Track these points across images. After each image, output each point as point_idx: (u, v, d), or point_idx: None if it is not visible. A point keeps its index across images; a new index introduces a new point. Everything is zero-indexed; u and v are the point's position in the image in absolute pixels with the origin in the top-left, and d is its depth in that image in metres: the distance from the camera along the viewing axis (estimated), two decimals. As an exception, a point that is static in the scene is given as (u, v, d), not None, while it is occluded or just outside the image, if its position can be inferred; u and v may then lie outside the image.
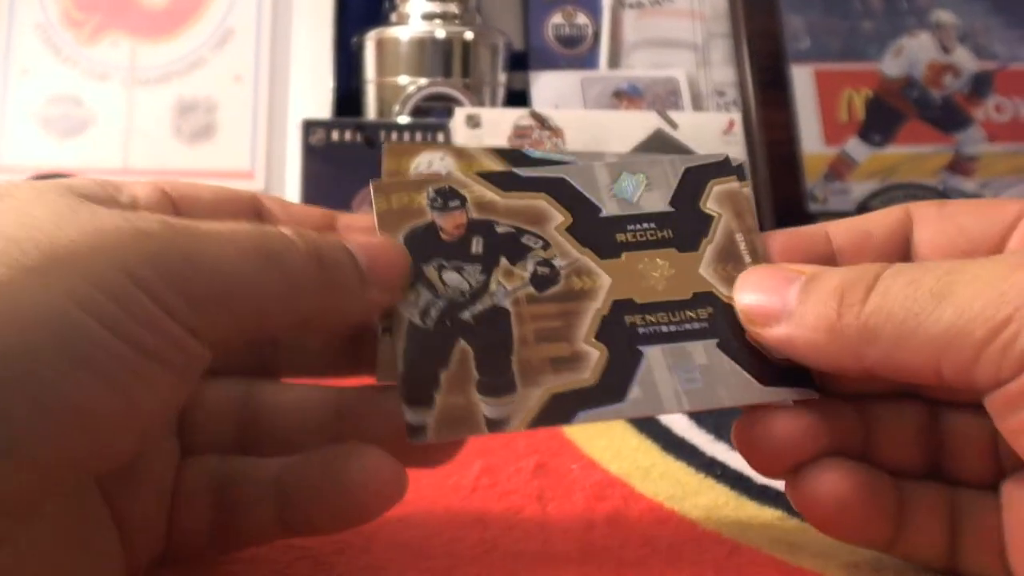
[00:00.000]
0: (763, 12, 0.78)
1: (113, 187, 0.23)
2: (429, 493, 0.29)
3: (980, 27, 0.78)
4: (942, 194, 0.74)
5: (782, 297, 0.23)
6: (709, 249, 0.26)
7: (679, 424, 0.36)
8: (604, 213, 0.26)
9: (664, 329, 0.24)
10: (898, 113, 0.76)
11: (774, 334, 0.23)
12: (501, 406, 0.23)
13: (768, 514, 0.28)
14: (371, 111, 0.74)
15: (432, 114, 0.71)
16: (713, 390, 0.24)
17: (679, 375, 0.24)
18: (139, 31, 0.75)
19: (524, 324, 0.24)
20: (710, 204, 0.26)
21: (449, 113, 0.68)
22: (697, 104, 0.76)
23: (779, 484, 0.30)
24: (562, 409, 0.23)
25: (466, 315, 0.24)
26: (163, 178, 0.25)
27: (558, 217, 0.26)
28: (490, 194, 0.26)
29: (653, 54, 0.79)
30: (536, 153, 0.27)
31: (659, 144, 0.67)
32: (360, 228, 0.26)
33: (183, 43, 0.75)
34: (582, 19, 0.80)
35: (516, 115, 0.68)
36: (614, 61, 0.79)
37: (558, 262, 0.25)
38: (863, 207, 0.72)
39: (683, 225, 0.26)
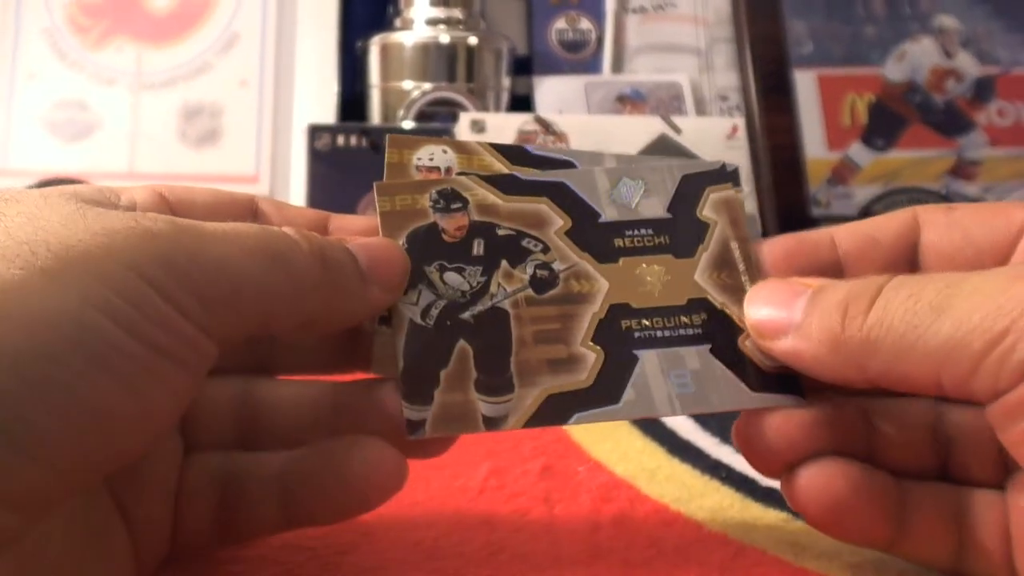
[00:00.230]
0: (766, 17, 0.78)
1: (112, 192, 0.23)
2: (437, 495, 0.30)
3: (982, 32, 0.78)
4: (945, 198, 0.74)
5: (789, 311, 0.23)
6: (704, 256, 0.26)
7: (684, 427, 0.37)
8: (603, 218, 0.26)
9: (659, 334, 0.25)
10: (901, 118, 0.76)
11: (781, 347, 0.23)
12: (499, 405, 0.24)
13: (773, 516, 0.29)
14: (376, 116, 0.75)
15: (436, 119, 0.72)
16: (705, 395, 0.24)
17: (672, 379, 0.24)
18: (145, 36, 0.76)
19: (523, 326, 0.25)
20: (706, 211, 0.27)
21: (453, 118, 0.69)
22: (700, 109, 0.76)
23: (784, 486, 0.31)
24: (558, 409, 0.24)
25: (466, 315, 0.25)
26: (168, 182, 0.25)
27: (558, 221, 0.26)
28: (492, 197, 0.26)
29: (656, 59, 0.79)
30: (537, 150, 0.27)
31: (663, 149, 0.67)
32: (353, 229, 0.26)
33: (189, 48, 0.76)
34: (586, 24, 0.81)
35: (520, 120, 0.68)
36: (617, 66, 0.80)
37: (557, 266, 0.25)
38: (866, 211, 0.72)
39: (680, 232, 0.26)
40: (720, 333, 0.25)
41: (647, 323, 0.25)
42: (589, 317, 0.25)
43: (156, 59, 0.75)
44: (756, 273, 0.26)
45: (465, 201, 0.26)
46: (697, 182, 0.27)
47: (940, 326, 0.20)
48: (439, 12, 0.75)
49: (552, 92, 0.77)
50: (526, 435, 0.35)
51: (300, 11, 0.77)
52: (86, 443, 0.17)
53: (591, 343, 0.25)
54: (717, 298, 0.25)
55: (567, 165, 0.27)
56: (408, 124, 0.70)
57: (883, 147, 0.75)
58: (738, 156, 0.62)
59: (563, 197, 0.26)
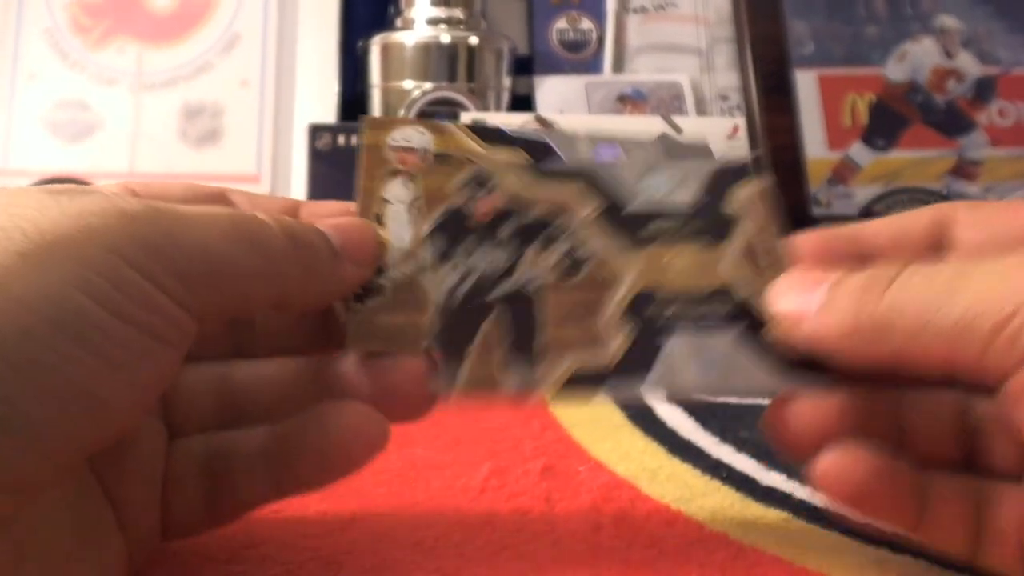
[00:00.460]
0: (767, 17, 0.78)
1: (82, 187, 0.23)
2: (438, 494, 0.30)
3: (983, 32, 0.78)
4: (945, 198, 0.74)
5: (811, 298, 0.24)
6: (729, 248, 0.26)
7: (685, 427, 0.37)
8: (630, 208, 0.27)
9: (682, 321, 0.25)
10: (902, 118, 0.76)
11: (803, 332, 0.24)
12: (522, 379, 0.24)
13: (774, 515, 0.29)
14: (376, 116, 0.75)
15: (437, 119, 0.72)
16: (727, 380, 0.25)
17: (696, 364, 0.25)
18: (146, 36, 0.76)
19: (548, 308, 0.25)
20: (733, 205, 0.27)
21: (454, 118, 0.69)
22: (701, 109, 0.76)
23: (785, 486, 0.31)
24: (582, 387, 0.25)
25: (493, 296, 0.25)
26: (170, 181, 0.25)
27: (586, 208, 0.27)
28: (521, 182, 0.27)
29: (657, 59, 0.79)
30: (513, 131, 0.28)
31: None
32: (323, 213, 0.26)
33: (190, 48, 0.76)
34: (586, 24, 0.81)
35: (521, 120, 0.68)
36: (618, 66, 0.80)
37: (583, 252, 0.26)
38: (867, 211, 0.72)
39: (706, 224, 0.27)
40: (742, 323, 0.25)
41: (671, 310, 0.25)
42: (615, 303, 0.25)
43: (157, 59, 0.75)
44: (780, 266, 0.26)
45: (496, 184, 0.26)
46: (725, 177, 0.28)
47: (952, 308, 0.21)
48: (440, 12, 0.75)
49: (553, 92, 0.77)
50: (527, 435, 0.35)
51: (301, 11, 0.77)
52: (72, 422, 0.18)
53: (615, 327, 0.25)
54: (741, 288, 0.26)
55: (542, 145, 0.28)
56: (409, 124, 0.71)
57: (884, 147, 0.76)
58: (739, 156, 0.62)
59: (592, 186, 0.27)
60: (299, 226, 0.23)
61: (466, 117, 0.68)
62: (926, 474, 0.24)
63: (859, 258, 0.25)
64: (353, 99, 0.76)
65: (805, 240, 0.26)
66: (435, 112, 0.72)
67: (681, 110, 0.75)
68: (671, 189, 0.27)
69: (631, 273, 0.26)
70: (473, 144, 0.27)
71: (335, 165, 0.67)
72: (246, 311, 0.23)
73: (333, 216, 0.26)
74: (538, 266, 0.26)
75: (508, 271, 0.26)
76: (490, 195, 0.26)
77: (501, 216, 0.26)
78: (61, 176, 0.71)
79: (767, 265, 0.26)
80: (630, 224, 0.27)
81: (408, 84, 0.73)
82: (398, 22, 0.76)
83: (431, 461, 0.32)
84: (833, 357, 0.24)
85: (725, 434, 0.36)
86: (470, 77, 0.74)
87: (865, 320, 0.22)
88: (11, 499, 0.17)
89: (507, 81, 0.77)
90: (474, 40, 0.74)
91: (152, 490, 0.24)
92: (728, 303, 0.26)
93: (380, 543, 0.26)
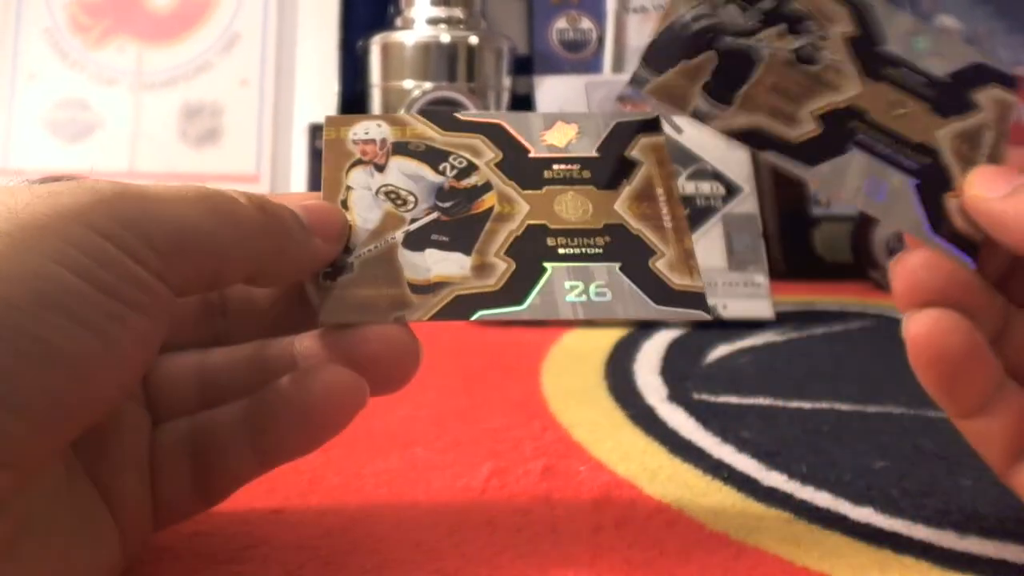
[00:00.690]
0: (767, 17, 0.78)
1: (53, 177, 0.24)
2: (438, 495, 0.30)
3: (983, 32, 0.78)
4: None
5: (1008, 185, 0.25)
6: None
7: (686, 427, 0.37)
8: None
9: (572, 251, 0.27)
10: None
11: (987, 207, 0.25)
12: (707, 112, 0.27)
13: (775, 516, 0.29)
14: (376, 115, 0.75)
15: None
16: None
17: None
18: (146, 36, 0.76)
19: (763, 73, 0.27)
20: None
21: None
22: (701, 108, 0.76)
23: (786, 487, 0.31)
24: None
25: (723, 42, 0.28)
26: (169, 182, 0.25)
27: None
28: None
29: (657, 59, 0.79)
30: (467, 115, 0.30)
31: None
32: (290, 200, 0.27)
33: (189, 47, 0.76)
34: (586, 24, 0.81)
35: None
36: (618, 65, 0.80)
37: (823, 53, 0.28)
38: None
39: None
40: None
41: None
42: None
43: (157, 59, 0.75)
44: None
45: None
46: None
47: None
48: (440, 12, 0.75)
49: (553, 92, 0.77)
50: (527, 435, 0.35)
51: (301, 11, 0.77)
52: (59, 391, 0.18)
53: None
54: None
55: (497, 128, 0.29)
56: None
57: (884, 147, 0.75)
58: (739, 156, 0.62)
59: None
60: (268, 201, 0.24)
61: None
62: (1006, 378, 0.25)
63: None
64: (353, 99, 0.76)
65: (1018, 154, 0.27)
66: (435, 112, 0.72)
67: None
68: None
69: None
70: (431, 131, 0.29)
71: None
72: (221, 283, 0.23)
73: (300, 202, 0.26)
74: (778, 42, 0.28)
75: (751, 32, 0.28)
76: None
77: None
78: (60, 175, 0.71)
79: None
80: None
81: (408, 84, 0.73)
82: (398, 22, 0.76)
83: (432, 462, 0.32)
84: (998, 238, 0.25)
85: (726, 434, 0.36)
86: (470, 77, 0.74)
87: None
88: (6, 477, 0.18)
89: (507, 81, 0.77)
90: (474, 40, 0.74)
91: (140, 476, 0.24)
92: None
93: (381, 544, 0.26)
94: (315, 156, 0.69)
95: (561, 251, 0.26)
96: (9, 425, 0.17)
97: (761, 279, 0.58)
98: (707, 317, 0.26)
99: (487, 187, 0.28)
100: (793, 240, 0.78)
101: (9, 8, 0.75)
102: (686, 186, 0.61)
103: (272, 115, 0.75)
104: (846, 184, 0.26)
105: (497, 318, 0.25)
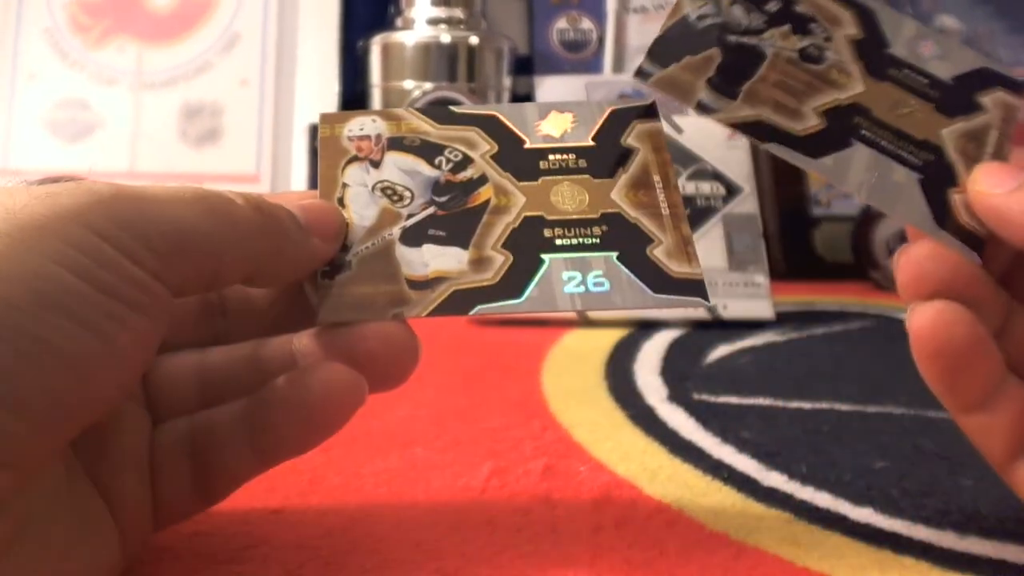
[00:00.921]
0: (767, 17, 0.78)
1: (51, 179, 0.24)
2: (439, 495, 0.30)
3: (984, 32, 0.78)
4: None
5: (1012, 179, 0.25)
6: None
7: (686, 427, 0.37)
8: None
9: (569, 242, 0.26)
10: None
11: (990, 202, 0.25)
12: (712, 104, 0.27)
13: (775, 516, 0.29)
14: (377, 115, 0.75)
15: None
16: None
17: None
18: (146, 36, 0.76)
19: (768, 67, 0.28)
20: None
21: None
22: (701, 109, 0.76)
23: (786, 487, 0.31)
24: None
25: (729, 39, 0.28)
26: (169, 182, 0.25)
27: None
28: (425, 126, 0.29)
29: (657, 59, 0.79)
30: (461, 109, 0.29)
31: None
32: (286, 200, 0.27)
33: (189, 47, 0.76)
34: (587, 24, 0.81)
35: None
36: (618, 65, 0.80)
37: (828, 53, 0.28)
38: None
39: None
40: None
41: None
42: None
43: (157, 59, 0.75)
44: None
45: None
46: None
47: None
48: (440, 12, 0.75)
49: (553, 92, 0.77)
50: (527, 435, 0.35)
51: (301, 11, 0.77)
52: (58, 387, 0.18)
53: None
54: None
55: (493, 120, 0.29)
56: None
57: (884, 147, 0.75)
58: (739, 156, 0.62)
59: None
60: (265, 201, 0.24)
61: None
62: (1008, 373, 0.25)
63: None
64: (353, 99, 0.76)
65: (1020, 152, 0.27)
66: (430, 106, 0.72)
67: (682, 110, 0.75)
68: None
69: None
70: (426, 125, 0.29)
71: (335, 165, 0.67)
72: (219, 284, 0.23)
73: (297, 201, 0.26)
74: (785, 42, 0.28)
75: (756, 32, 0.28)
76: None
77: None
78: (61, 175, 0.71)
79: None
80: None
81: (408, 84, 0.73)
82: (398, 22, 0.76)
83: (432, 461, 0.32)
84: (1003, 234, 0.24)
85: (726, 434, 0.36)
86: (470, 77, 0.74)
87: None
88: (5, 477, 0.18)
89: (507, 81, 0.77)
90: (474, 40, 0.74)
91: (141, 476, 0.24)
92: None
93: (381, 543, 0.26)
94: (315, 156, 0.69)
95: (558, 242, 0.26)
96: (9, 425, 0.18)
97: (761, 279, 0.58)
98: (706, 303, 0.26)
99: (483, 180, 0.27)
100: (793, 240, 0.78)
101: (9, 8, 0.75)
102: (686, 186, 0.61)
103: (272, 115, 0.75)
104: (850, 177, 0.27)
105: (496, 312, 0.25)
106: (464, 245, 0.26)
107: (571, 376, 0.45)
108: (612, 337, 0.53)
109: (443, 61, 0.74)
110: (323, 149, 0.28)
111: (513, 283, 0.26)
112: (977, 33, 0.78)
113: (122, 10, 0.76)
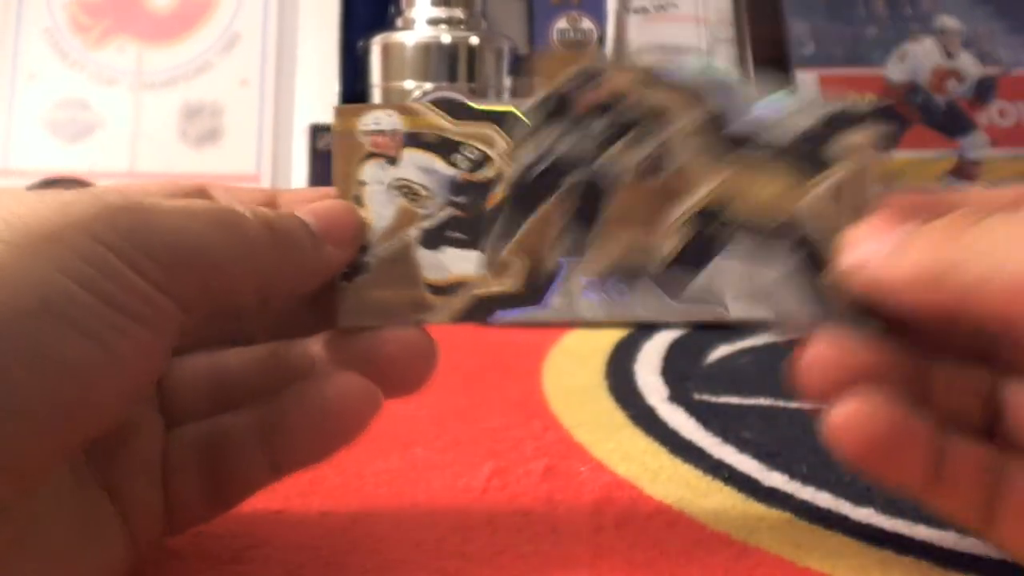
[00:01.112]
0: (767, 18, 0.78)
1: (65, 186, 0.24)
2: (439, 495, 0.30)
3: (984, 32, 0.78)
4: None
5: (884, 244, 0.23)
6: (819, 187, 0.26)
7: (687, 427, 0.37)
8: (732, 128, 0.26)
9: (739, 243, 0.26)
10: (902, 118, 0.76)
11: (867, 274, 0.23)
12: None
13: (776, 516, 0.29)
14: (377, 115, 0.75)
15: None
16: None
17: (735, 287, 0.25)
18: (146, 35, 0.76)
19: (614, 203, 0.26)
20: (837, 147, 0.26)
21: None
22: (702, 109, 0.76)
23: (787, 487, 0.31)
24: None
25: (567, 180, 0.26)
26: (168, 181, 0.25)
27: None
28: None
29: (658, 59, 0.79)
30: (478, 104, 0.28)
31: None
32: (301, 199, 0.26)
33: (190, 47, 0.76)
34: (587, 24, 0.81)
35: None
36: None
37: (668, 159, 0.26)
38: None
39: (801, 159, 0.26)
40: (799, 257, 0.25)
41: (731, 230, 0.26)
42: (680, 211, 0.26)
43: (157, 58, 0.75)
44: (862, 213, 0.25)
45: (604, 80, 0.26)
46: (841, 120, 0.27)
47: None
48: (440, 12, 0.75)
49: (553, 92, 0.77)
50: (528, 435, 0.35)
51: (301, 10, 0.77)
52: (63, 401, 0.18)
53: (673, 232, 0.26)
54: (810, 227, 0.25)
55: (511, 117, 0.27)
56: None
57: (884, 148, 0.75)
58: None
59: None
60: (276, 215, 0.24)
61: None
62: (946, 436, 0.23)
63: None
64: (353, 99, 0.76)
65: (896, 196, 0.25)
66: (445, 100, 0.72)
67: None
68: (784, 117, 0.26)
69: (706, 188, 0.26)
70: (442, 120, 0.27)
71: (335, 165, 0.67)
72: (230, 301, 0.23)
73: (312, 201, 0.26)
74: (620, 161, 0.26)
75: (589, 160, 0.26)
76: (597, 88, 0.26)
77: (601, 109, 0.26)
78: (62, 176, 0.71)
79: (850, 209, 0.25)
80: (726, 143, 0.26)
81: (408, 84, 0.73)
82: (398, 22, 0.76)
83: (432, 461, 0.32)
84: (889, 302, 0.23)
85: (727, 435, 0.36)
86: (470, 77, 0.74)
87: (940, 259, 0.21)
88: (8, 482, 0.18)
89: (507, 81, 0.76)
90: (474, 40, 0.74)
91: (152, 481, 0.24)
92: (791, 237, 0.25)
93: (381, 544, 0.26)
94: (315, 156, 0.69)
95: (729, 240, 0.26)
96: (9, 431, 0.17)
97: (761, 279, 0.58)
98: (727, 315, 0.25)
99: (501, 179, 0.27)
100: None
101: (9, 8, 0.75)
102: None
103: (272, 115, 0.75)
104: (580, 304, 0.25)
105: (516, 320, 0.25)
106: (483, 248, 0.26)
107: (572, 376, 0.45)
108: (612, 337, 0.53)
109: (443, 61, 0.74)
110: (338, 144, 0.27)
111: (533, 289, 0.25)
112: (977, 33, 0.78)
113: (122, 10, 0.76)
